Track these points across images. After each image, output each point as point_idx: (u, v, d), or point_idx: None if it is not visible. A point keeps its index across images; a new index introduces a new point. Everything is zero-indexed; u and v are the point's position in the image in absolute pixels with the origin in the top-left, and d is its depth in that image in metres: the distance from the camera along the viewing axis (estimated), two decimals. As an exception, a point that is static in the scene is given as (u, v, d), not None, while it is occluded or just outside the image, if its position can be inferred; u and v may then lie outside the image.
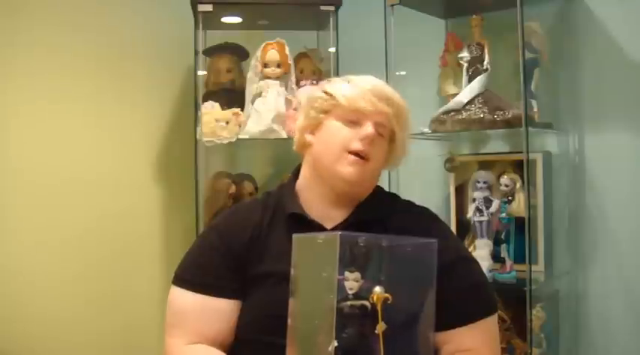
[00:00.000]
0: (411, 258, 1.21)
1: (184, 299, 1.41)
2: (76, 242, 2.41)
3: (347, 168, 1.37)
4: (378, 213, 1.44)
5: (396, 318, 1.16)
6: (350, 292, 1.14)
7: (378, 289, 1.13)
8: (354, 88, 1.41)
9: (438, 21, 2.61)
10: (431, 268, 1.20)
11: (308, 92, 1.61)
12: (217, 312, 1.39)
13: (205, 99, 2.52)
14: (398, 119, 1.42)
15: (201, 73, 2.54)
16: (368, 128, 1.37)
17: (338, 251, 1.10)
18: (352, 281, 1.14)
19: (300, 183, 1.48)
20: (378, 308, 1.12)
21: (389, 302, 1.12)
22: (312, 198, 1.45)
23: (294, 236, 1.23)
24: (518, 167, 2.23)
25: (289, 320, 1.19)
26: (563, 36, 2.38)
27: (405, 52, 2.42)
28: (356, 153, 1.37)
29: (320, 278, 1.14)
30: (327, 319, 1.10)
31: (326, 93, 1.43)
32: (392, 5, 2.37)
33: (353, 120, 1.39)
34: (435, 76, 2.52)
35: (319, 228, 1.41)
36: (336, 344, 1.09)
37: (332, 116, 1.41)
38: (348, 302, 1.13)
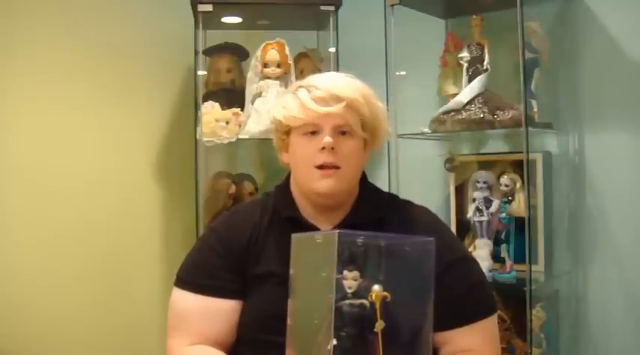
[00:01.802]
0: (409, 256, 1.21)
1: (186, 300, 1.41)
2: (76, 242, 2.41)
3: (319, 183, 1.36)
4: (374, 213, 1.44)
5: (395, 317, 1.16)
6: (349, 291, 1.14)
7: (376, 287, 1.13)
8: (294, 102, 1.38)
9: (438, 21, 2.61)
10: (429, 267, 1.20)
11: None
12: (219, 313, 1.40)
13: (205, 99, 2.52)
14: (357, 108, 1.36)
15: (201, 73, 2.54)
16: (324, 138, 1.34)
17: (336, 250, 1.10)
18: (351, 281, 1.14)
19: (293, 186, 1.48)
20: (377, 306, 1.12)
21: (388, 300, 1.13)
22: (306, 203, 1.45)
23: (293, 236, 1.23)
24: (518, 167, 2.23)
25: (288, 320, 1.19)
26: (563, 36, 2.38)
27: (405, 52, 2.42)
28: (323, 166, 1.35)
29: (319, 278, 1.14)
30: (326, 318, 1.10)
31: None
32: (392, 5, 2.37)
33: (311, 130, 1.37)
34: (435, 76, 2.52)
35: (315, 230, 1.41)
36: (334, 342, 1.09)
37: (294, 133, 1.40)
38: (347, 301, 1.13)
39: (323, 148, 1.34)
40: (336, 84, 1.37)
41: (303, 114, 1.36)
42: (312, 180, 1.36)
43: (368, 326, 1.13)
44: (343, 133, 1.36)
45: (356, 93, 1.36)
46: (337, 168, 1.35)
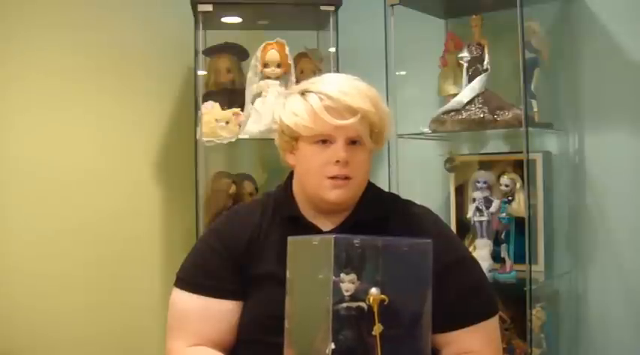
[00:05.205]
0: (407, 258, 1.21)
1: (186, 301, 1.41)
2: (76, 242, 2.41)
3: (330, 192, 1.35)
4: (376, 213, 1.43)
5: (393, 319, 1.16)
6: (346, 294, 1.14)
7: (374, 290, 1.13)
8: (304, 109, 1.35)
9: (438, 21, 2.61)
10: (427, 268, 1.20)
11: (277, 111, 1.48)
12: (219, 314, 1.39)
13: (205, 99, 2.51)
14: (369, 119, 1.35)
15: (201, 73, 2.53)
16: (339, 152, 1.33)
17: (333, 253, 1.10)
18: (348, 283, 1.14)
19: (296, 187, 1.47)
20: (375, 309, 1.12)
21: (385, 303, 1.12)
22: (308, 204, 1.44)
23: (289, 238, 1.23)
24: (518, 167, 2.23)
25: (286, 322, 1.19)
26: (563, 36, 2.38)
27: (405, 52, 2.42)
28: (335, 177, 1.34)
29: (316, 281, 1.14)
30: (324, 321, 1.10)
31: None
32: (392, 5, 2.37)
33: (322, 139, 1.35)
34: (435, 76, 2.52)
35: (316, 230, 1.41)
36: (333, 346, 1.09)
37: (302, 140, 1.38)
38: (345, 304, 1.13)
39: (337, 161, 1.33)
40: (348, 93, 1.34)
41: (316, 125, 1.34)
42: (323, 190, 1.35)
43: (366, 329, 1.13)
44: (353, 142, 1.35)
45: (367, 102, 1.34)
46: (348, 178, 1.35)
